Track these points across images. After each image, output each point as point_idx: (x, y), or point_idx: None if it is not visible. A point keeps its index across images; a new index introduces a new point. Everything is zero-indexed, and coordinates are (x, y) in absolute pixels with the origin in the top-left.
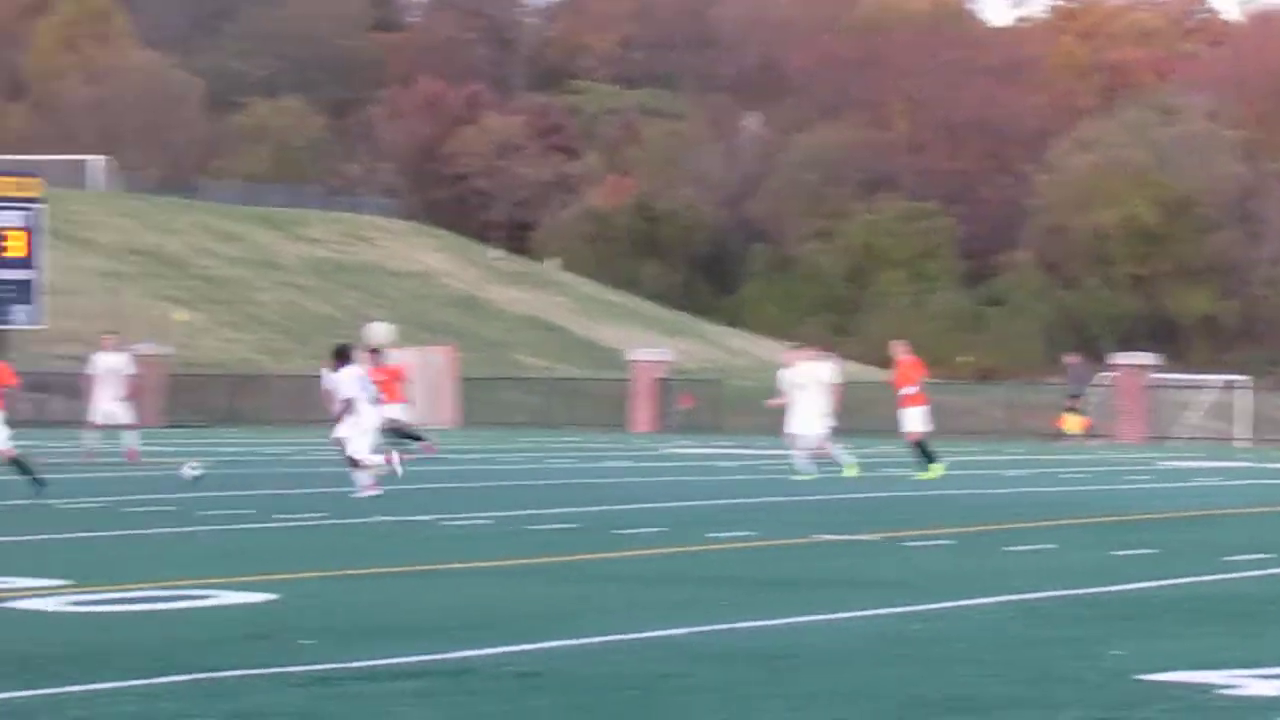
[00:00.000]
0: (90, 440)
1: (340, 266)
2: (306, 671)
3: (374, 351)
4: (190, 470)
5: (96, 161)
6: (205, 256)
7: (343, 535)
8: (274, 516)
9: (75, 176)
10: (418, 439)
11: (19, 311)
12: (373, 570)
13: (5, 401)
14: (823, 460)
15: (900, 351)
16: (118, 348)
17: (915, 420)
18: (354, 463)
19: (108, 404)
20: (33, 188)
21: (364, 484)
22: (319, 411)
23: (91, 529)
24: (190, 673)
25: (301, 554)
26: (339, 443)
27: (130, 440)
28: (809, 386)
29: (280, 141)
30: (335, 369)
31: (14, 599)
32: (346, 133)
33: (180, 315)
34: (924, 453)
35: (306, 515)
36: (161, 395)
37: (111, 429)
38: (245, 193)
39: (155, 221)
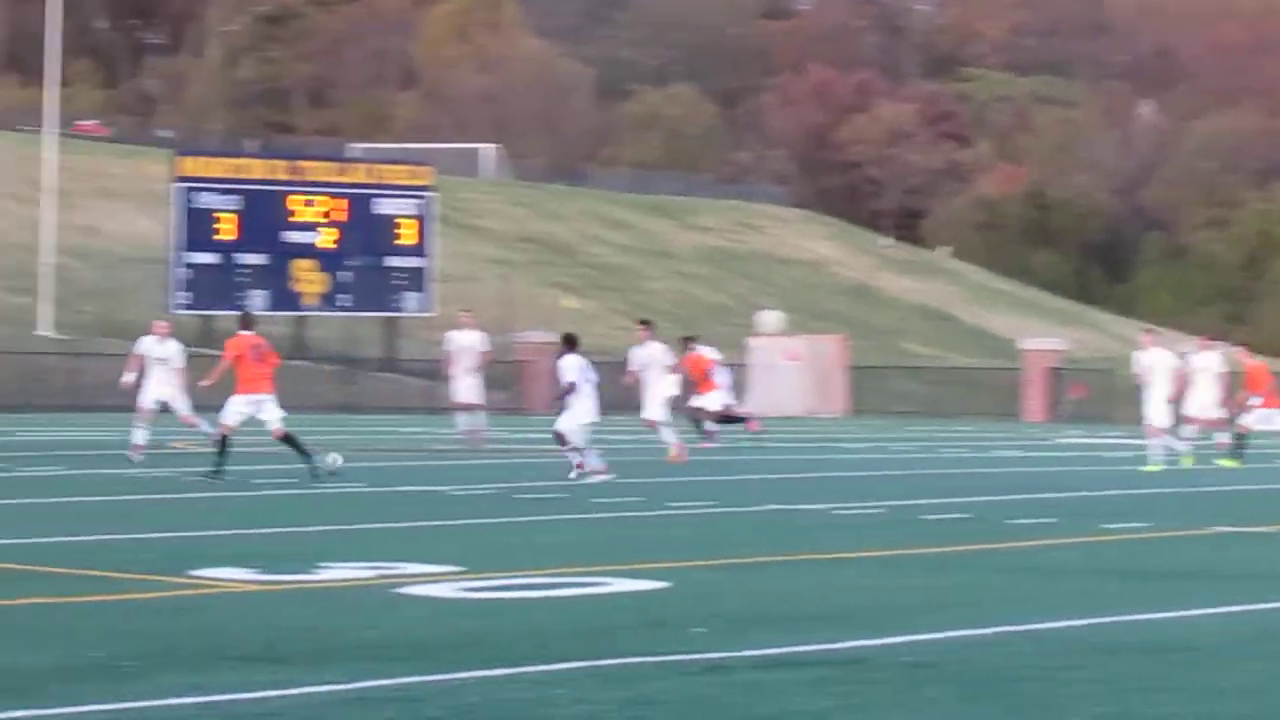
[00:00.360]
0: (463, 421)
1: (731, 255)
2: (700, 660)
3: (688, 339)
4: (332, 461)
5: (487, 150)
6: (595, 244)
7: (733, 524)
8: (665, 504)
9: (467, 165)
10: (742, 420)
11: (411, 299)
12: (763, 559)
13: (275, 384)
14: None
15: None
16: (473, 326)
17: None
18: (560, 439)
19: (463, 381)
20: (425, 176)
21: (594, 467)
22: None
23: (483, 515)
24: (584, 660)
25: (692, 542)
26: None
27: (477, 421)
28: (1160, 372)
29: (671, 130)
30: (563, 355)
31: (408, 585)
32: (737, 121)
33: (569, 302)
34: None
35: (696, 503)
36: (548, 382)
37: (469, 408)
38: (634, 180)
39: (545, 209)
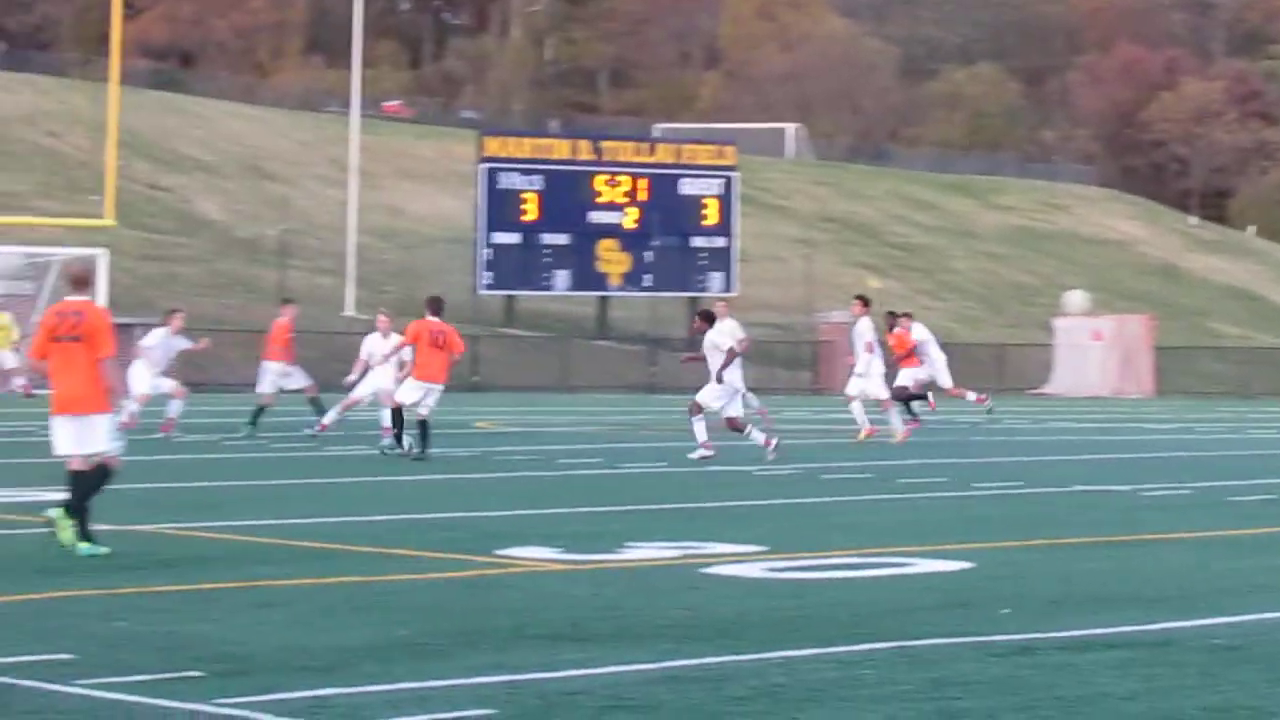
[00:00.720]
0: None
1: (1036, 234)
2: (1007, 641)
3: (892, 315)
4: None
5: (791, 129)
6: (898, 224)
7: (1038, 504)
8: (971, 485)
9: (770, 144)
10: (921, 397)
11: (714, 279)
12: (1068, 540)
13: (448, 373)
14: None
15: None
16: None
17: None
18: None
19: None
20: (728, 156)
21: (700, 441)
22: (1011, 380)
23: (789, 496)
24: (889, 640)
25: (997, 523)
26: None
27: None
28: None
29: (975, 109)
30: (702, 330)
31: (713, 565)
32: (1042, 99)
33: (873, 282)
34: None
35: (1002, 484)
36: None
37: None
38: (936, 160)
39: (847, 188)
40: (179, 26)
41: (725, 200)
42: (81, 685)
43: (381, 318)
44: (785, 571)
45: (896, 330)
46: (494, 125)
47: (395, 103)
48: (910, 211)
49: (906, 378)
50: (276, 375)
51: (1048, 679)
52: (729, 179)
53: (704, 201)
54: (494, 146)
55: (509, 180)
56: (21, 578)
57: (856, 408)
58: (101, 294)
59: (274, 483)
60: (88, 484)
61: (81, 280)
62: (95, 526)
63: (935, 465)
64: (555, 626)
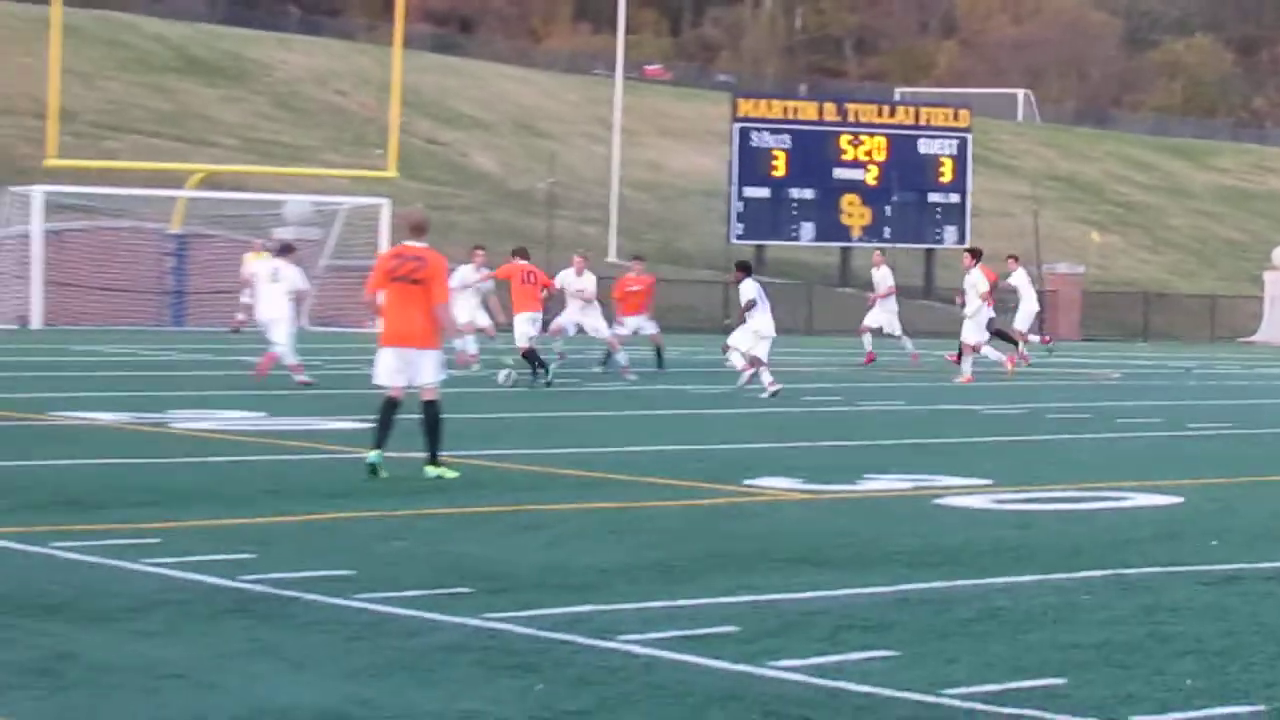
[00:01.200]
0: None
1: (1247, 194)
2: (1215, 570)
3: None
4: (505, 375)
5: (1021, 94)
6: (1119, 183)
7: (1247, 444)
8: (1185, 426)
9: (1001, 109)
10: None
11: (949, 232)
12: (1275, 477)
13: (537, 304)
14: None
15: None
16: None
17: None
18: (756, 361)
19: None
20: (963, 119)
21: (766, 381)
22: (1224, 329)
23: (1013, 433)
24: (1105, 568)
25: (1208, 461)
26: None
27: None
28: None
29: (1192, 77)
30: (739, 281)
31: (943, 496)
32: (1255, 69)
33: (1095, 237)
34: None
35: (1214, 425)
36: (1076, 310)
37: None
38: (1155, 124)
39: (1072, 150)
40: None
41: (959, 159)
42: (360, 599)
43: (577, 258)
44: (1009, 503)
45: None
46: (747, 88)
47: (656, 66)
48: (1130, 172)
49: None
50: (637, 323)
51: (1252, 607)
52: (963, 140)
53: (940, 160)
54: (747, 108)
55: (760, 139)
56: (307, 500)
57: (988, 350)
58: (383, 240)
59: (543, 415)
60: (433, 415)
61: (420, 227)
62: (387, 453)
63: (1151, 407)
64: (795, 551)
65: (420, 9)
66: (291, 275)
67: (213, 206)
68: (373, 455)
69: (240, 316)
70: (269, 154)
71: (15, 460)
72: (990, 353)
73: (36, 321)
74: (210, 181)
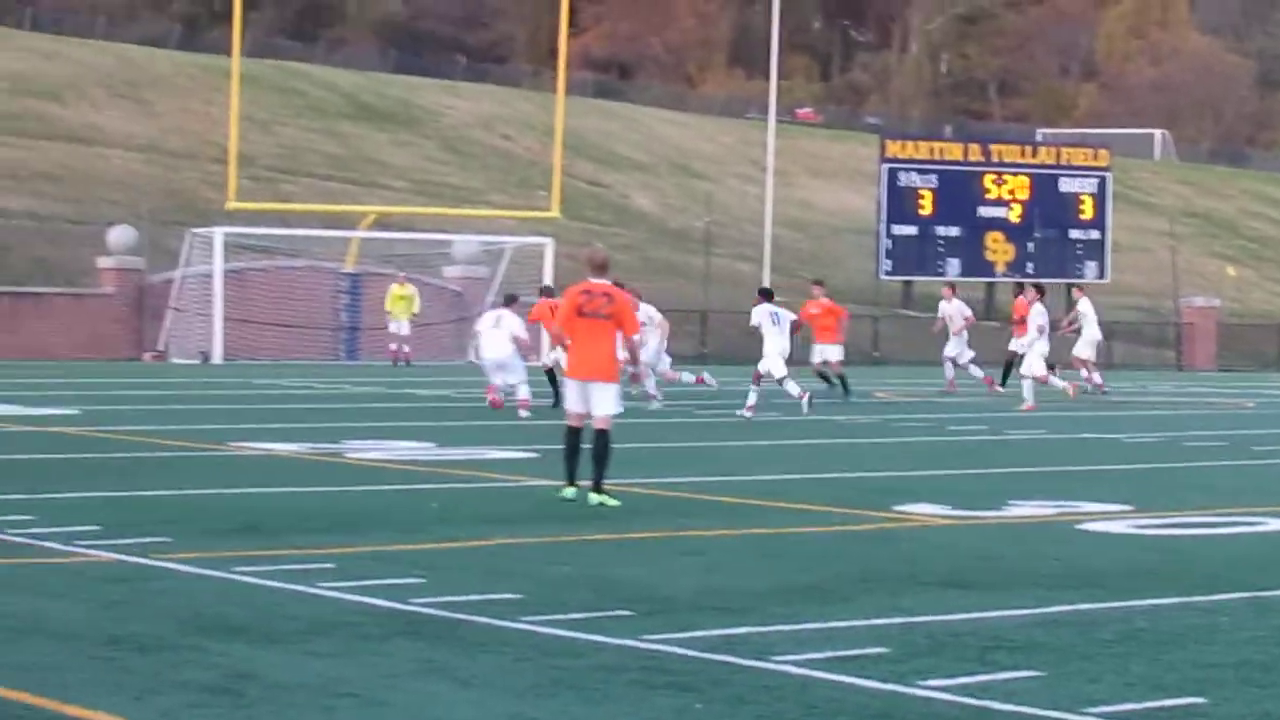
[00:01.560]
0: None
1: None
2: None
3: (1020, 286)
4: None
5: (1158, 134)
6: (1253, 219)
7: None
8: None
9: (1139, 148)
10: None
11: (1090, 267)
12: None
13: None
14: None
15: None
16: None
17: None
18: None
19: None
20: (1103, 158)
21: (796, 393)
22: None
23: (1152, 460)
24: (1243, 591)
25: None
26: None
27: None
28: None
29: None
30: (758, 303)
31: (1083, 522)
32: None
33: (1231, 271)
34: None
35: None
36: (1211, 342)
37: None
38: None
39: (1208, 188)
40: (618, 43)
41: (1099, 197)
42: (526, 622)
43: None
44: (1149, 528)
45: (1020, 298)
46: (894, 130)
47: (807, 110)
48: (1264, 208)
49: (1017, 345)
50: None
51: None
52: (1103, 178)
53: (1080, 198)
54: (894, 149)
55: (908, 178)
56: (476, 526)
57: (1054, 380)
58: (547, 276)
59: (699, 444)
60: (603, 444)
61: (603, 265)
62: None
63: None
64: (943, 574)
65: (581, 56)
66: (513, 323)
67: (384, 246)
68: (569, 492)
69: (393, 347)
70: (437, 195)
71: (199, 489)
72: (1029, 386)
73: (217, 356)
74: (381, 222)
